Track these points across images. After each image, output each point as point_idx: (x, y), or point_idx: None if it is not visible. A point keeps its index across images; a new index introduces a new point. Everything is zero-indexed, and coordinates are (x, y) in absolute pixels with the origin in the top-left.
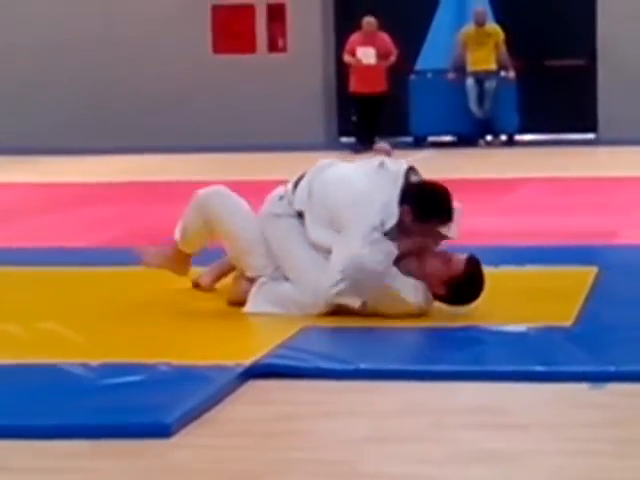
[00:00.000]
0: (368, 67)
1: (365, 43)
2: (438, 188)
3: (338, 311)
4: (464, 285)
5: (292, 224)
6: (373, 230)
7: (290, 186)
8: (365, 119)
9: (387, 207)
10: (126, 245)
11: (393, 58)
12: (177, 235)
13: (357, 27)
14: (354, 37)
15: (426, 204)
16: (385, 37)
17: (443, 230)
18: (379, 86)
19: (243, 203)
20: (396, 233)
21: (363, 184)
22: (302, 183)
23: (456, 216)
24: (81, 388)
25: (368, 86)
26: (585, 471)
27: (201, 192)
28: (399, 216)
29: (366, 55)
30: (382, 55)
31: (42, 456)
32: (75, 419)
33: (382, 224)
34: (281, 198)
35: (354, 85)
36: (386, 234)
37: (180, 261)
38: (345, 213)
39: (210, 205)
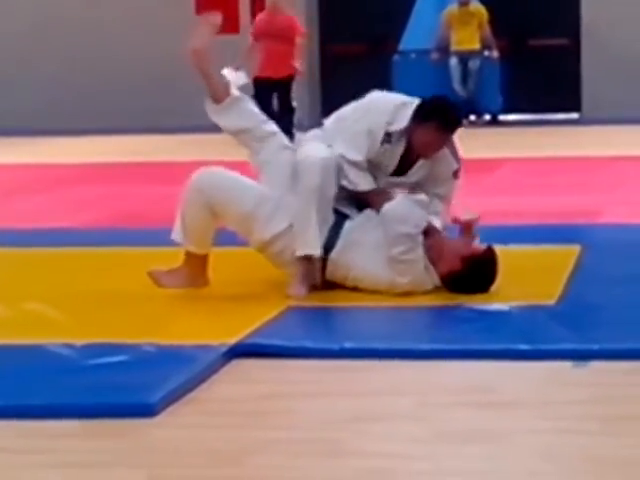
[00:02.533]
0: (273, 51)
1: (268, 24)
2: (448, 99)
3: (324, 290)
4: (481, 264)
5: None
6: (366, 134)
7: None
8: (268, 105)
9: (397, 111)
10: (110, 226)
11: (299, 40)
12: (178, 235)
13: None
14: (259, 17)
15: (430, 105)
16: (289, 18)
17: (443, 137)
18: (283, 71)
19: (237, 177)
20: (400, 139)
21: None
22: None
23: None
24: (65, 368)
25: (273, 71)
26: (574, 449)
27: (194, 178)
28: (408, 121)
29: (234, 77)
30: (283, 37)
31: (26, 436)
32: (59, 399)
33: (388, 124)
34: None
35: (259, 70)
36: (389, 135)
37: (196, 271)
38: (350, 114)
39: (206, 189)
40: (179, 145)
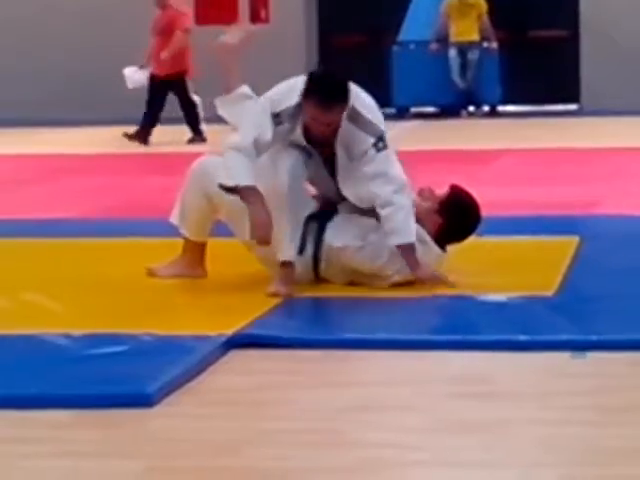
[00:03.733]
0: (157, 48)
1: (156, 20)
2: (331, 72)
3: (320, 281)
4: (456, 202)
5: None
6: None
7: None
8: (154, 103)
9: (289, 90)
10: (109, 216)
11: (178, 34)
12: (176, 218)
13: None
14: (156, 14)
15: (311, 79)
16: (174, 13)
17: (325, 114)
18: (168, 68)
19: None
20: (294, 120)
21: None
22: None
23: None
24: (63, 358)
25: (158, 69)
26: (572, 440)
27: (195, 165)
28: (299, 99)
29: (132, 80)
30: (166, 34)
31: (24, 426)
32: (57, 389)
33: (276, 102)
34: None
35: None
36: (277, 115)
37: (193, 260)
38: None
39: (205, 178)
40: (180, 136)
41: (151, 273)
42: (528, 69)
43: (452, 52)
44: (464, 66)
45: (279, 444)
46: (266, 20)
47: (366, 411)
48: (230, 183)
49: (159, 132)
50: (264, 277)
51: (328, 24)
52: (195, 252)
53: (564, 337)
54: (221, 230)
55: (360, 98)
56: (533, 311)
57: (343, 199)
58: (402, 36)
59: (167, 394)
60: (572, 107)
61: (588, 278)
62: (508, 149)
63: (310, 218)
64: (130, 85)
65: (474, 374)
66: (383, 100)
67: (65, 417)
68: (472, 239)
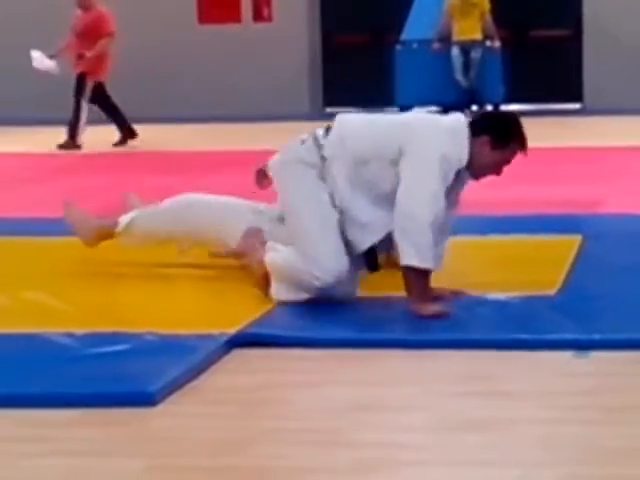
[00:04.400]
0: (73, 48)
1: (76, 20)
2: (510, 114)
3: None
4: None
5: (309, 173)
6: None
7: (321, 131)
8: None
9: (452, 144)
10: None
11: (103, 41)
12: (123, 223)
13: None
14: (75, 14)
15: (505, 130)
16: (96, 16)
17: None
18: (77, 68)
19: (214, 201)
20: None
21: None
22: (333, 130)
23: None
24: (66, 357)
25: (73, 68)
26: (575, 438)
27: (181, 197)
28: (473, 149)
29: (39, 62)
30: (85, 35)
31: (26, 425)
32: (60, 388)
33: (460, 161)
34: (303, 142)
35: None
36: (459, 171)
37: (100, 237)
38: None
39: (186, 216)
40: (179, 135)
41: (68, 204)
42: (531, 68)
43: (455, 51)
44: (467, 65)
45: (281, 443)
46: (269, 19)
47: (368, 410)
48: (414, 262)
49: (160, 131)
50: None
51: (331, 23)
52: (104, 236)
53: (567, 336)
54: None
55: None
56: (536, 310)
57: None
58: (405, 35)
59: (169, 393)
60: (575, 106)
61: (591, 277)
62: None
63: None
64: (35, 64)
65: (477, 373)
66: (386, 99)
67: (67, 416)
68: (475, 239)
